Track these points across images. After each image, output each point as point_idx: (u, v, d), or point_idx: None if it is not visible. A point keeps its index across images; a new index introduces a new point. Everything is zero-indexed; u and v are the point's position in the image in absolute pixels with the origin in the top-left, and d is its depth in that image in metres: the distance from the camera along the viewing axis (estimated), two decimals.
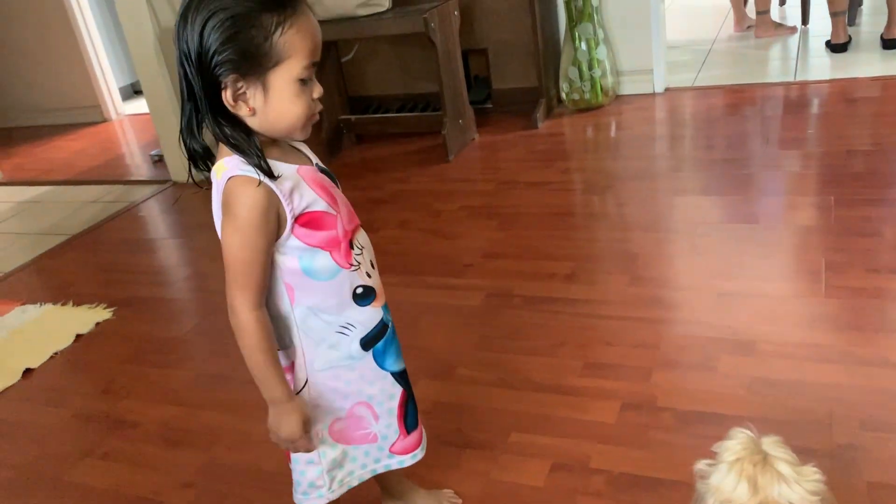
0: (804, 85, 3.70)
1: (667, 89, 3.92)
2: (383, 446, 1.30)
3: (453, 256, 2.60)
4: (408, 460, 1.34)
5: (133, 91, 5.79)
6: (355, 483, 1.32)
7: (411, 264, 2.60)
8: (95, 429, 2.06)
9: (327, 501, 1.28)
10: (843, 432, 1.58)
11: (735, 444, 1.06)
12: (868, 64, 3.78)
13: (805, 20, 4.57)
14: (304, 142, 1.18)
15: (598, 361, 1.94)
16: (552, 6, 3.83)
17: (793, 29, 4.52)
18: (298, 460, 1.26)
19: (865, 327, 1.90)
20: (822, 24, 4.55)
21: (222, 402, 2.07)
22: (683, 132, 3.55)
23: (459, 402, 1.89)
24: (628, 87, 3.93)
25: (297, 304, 1.15)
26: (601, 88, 3.77)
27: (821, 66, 3.93)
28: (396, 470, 1.38)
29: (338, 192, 1.18)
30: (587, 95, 3.78)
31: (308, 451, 1.22)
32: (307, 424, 1.17)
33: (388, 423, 1.29)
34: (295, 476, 1.29)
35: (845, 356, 1.80)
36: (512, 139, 3.66)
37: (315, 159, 1.19)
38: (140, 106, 5.26)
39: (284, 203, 1.07)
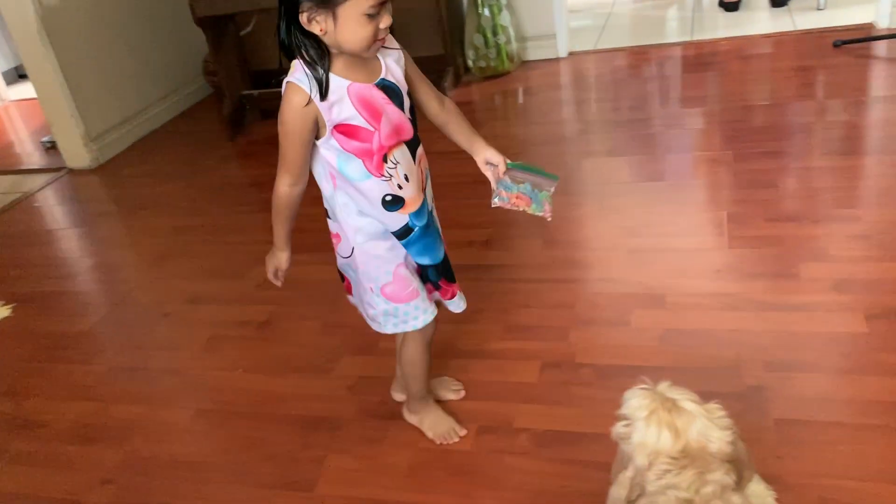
0: (701, 44, 3.82)
1: (570, 53, 3.97)
2: (423, 301, 1.49)
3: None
4: (430, 312, 1.51)
5: (17, 75, 5.45)
6: (404, 331, 1.53)
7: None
8: None
9: (389, 332, 1.53)
10: (751, 374, 1.66)
11: (641, 399, 1.09)
12: (760, 21, 3.93)
13: None
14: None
15: (518, 324, 1.97)
16: None
17: None
18: (366, 303, 1.50)
19: (767, 274, 1.99)
20: None
21: (137, 394, 2.00)
22: (589, 95, 3.62)
23: (384, 374, 1.88)
24: (533, 53, 3.96)
25: (338, 190, 1.37)
26: (507, 55, 3.79)
27: (715, 26, 4.06)
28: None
29: (390, 109, 1.31)
30: (493, 62, 3.79)
31: (276, 277, 1.53)
32: (277, 271, 1.51)
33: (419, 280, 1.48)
34: (364, 308, 1.54)
35: (749, 303, 1.89)
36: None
37: (388, 72, 1.32)
38: (26, 90, 4.95)
39: (324, 113, 1.26)
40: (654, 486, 1.05)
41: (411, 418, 1.70)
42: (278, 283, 1.54)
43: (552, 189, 1.50)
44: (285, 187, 1.36)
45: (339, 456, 1.66)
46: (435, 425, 1.66)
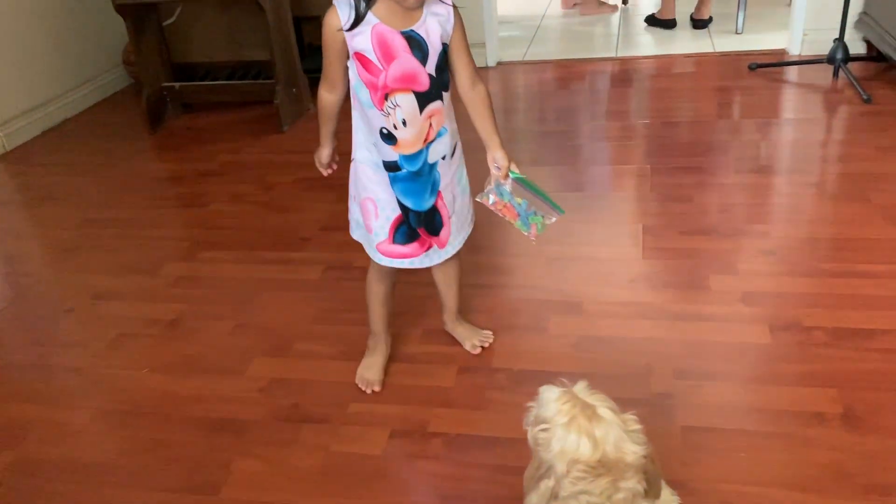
0: (626, 60, 3.91)
1: (499, 63, 4.01)
2: (373, 240, 1.64)
3: (290, 230, 2.53)
4: (385, 260, 1.66)
5: None
6: (360, 241, 1.72)
7: (246, 239, 2.50)
8: None
9: (355, 238, 1.73)
10: (660, 382, 1.70)
11: (561, 403, 1.09)
12: (682, 42, 4.06)
13: (625, 0, 4.83)
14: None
15: (437, 329, 1.96)
16: None
17: (614, 7, 4.76)
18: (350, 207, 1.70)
19: (679, 285, 2.05)
20: (641, 3, 4.83)
21: (34, 393, 1.90)
22: (516, 105, 3.66)
23: (297, 377, 1.85)
24: None
25: (355, 108, 1.53)
26: None
27: (640, 44, 4.18)
28: (452, 302, 1.88)
29: (406, 58, 1.43)
30: None
31: (322, 167, 1.70)
32: (320, 159, 1.67)
33: (382, 226, 1.62)
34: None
35: (661, 312, 1.93)
36: (349, 109, 3.59)
37: (422, 26, 1.44)
38: None
39: (348, 39, 1.42)
40: (567, 492, 1.05)
41: (365, 356, 1.85)
42: (324, 173, 1.71)
43: (553, 219, 1.60)
44: (325, 93, 1.55)
45: (246, 459, 1.61)
46: (365, 370, 1.81)
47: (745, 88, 3.38)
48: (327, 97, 1.55)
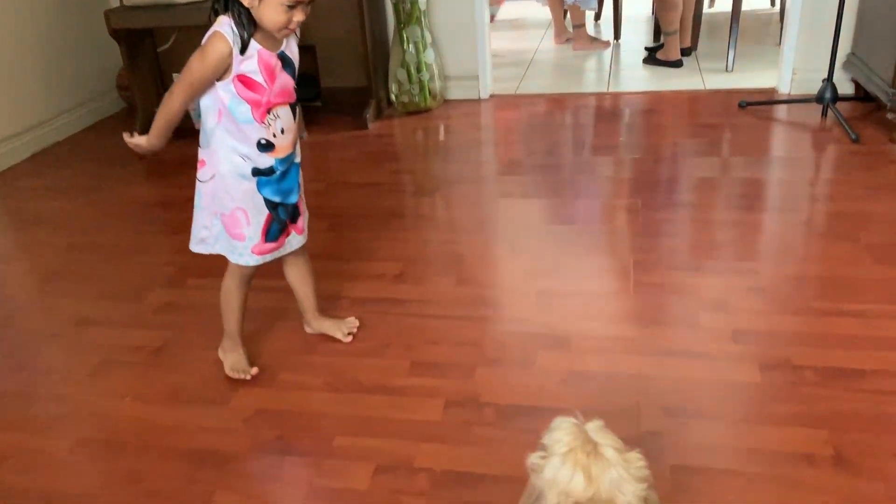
0: (617, 95, 3.95)
1: (492, 95, 4.04)
2: (247, 245, 1.79)
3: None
4: (259, 259, 1.82)
5: None
6: (220, 253, 1.84)
7: None
8: None
9: (204, 252, 1.85)
10: (649, 420, 1.68)
11: (565, 434, 1.07)
12: (672, 78, 4.10)
13: (617, 35, 4.89)
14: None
15: (424, 361, 1.95)
16: (381, 6, 3.83)
17: (606, 43, 4.81)
18: (199, 225, 1.81)
19: (668, 321, 2.04)
20: (632, 39, 4.89)
21: (13, 420, 1.86)
22: (507, 137, 3.68)
23: (282, 408, 1.82)
24: (456, 92, 4.00)
25: (220, 125, 1.65)
26: (429, 92, 3.82)
27: (632, 79, 4.22)
28: (311, 300, 2.04)
29: (283, 76, 1.64)
30: (416, 98, 3.81)
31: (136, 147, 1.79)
32: (141, 144, 1.76)
33: (255, 230, 1.77)
34: (193, 231, 1.83)
35: (651, 348, 1.92)
36: (342, 139, 3.61)
37: (288, 47, 1.66)
38: None
39: (235, 63, 1.57)
40: None
41: (220, 353, 1.97)
42: (129, 143, 1.79)
43: None
44: (180, 105, 1.64)
45: (227, 493, 1.57)
46: (236, 363, 1.93)
47: (735, 126, 3.41)
48: (180, 108, 1.65)
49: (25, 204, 3.18)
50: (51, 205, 3.13)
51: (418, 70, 3.75)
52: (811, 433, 1.60)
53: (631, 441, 1.59)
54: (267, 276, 1.99)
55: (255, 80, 1.60)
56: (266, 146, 1.68)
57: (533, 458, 1.08)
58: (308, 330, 2.08)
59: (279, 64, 1.63)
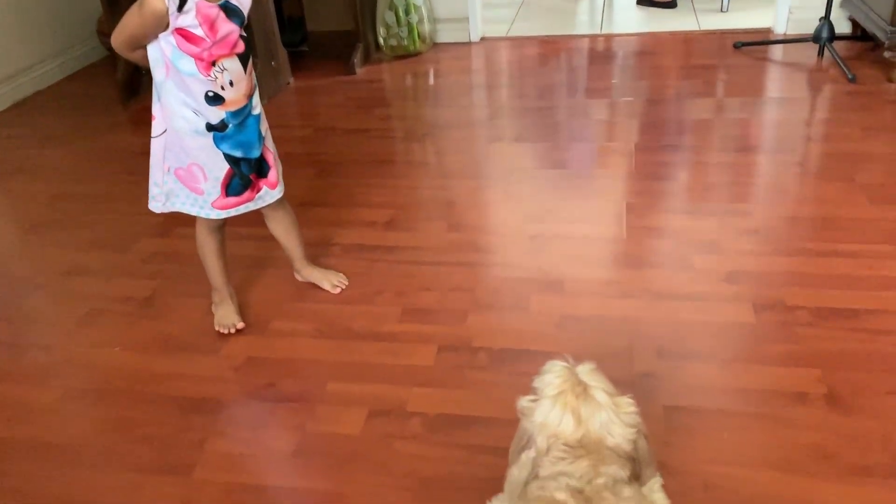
0: (609, 38, 3.87)
1: (482, 38, 3.95)
2: (207, 200, 1.74)
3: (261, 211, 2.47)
4: (222, 213, 1.77)
5: None
6: (179, 210, 1.78)
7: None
8: None
9: (158, 211, 1.79)
10: (642, 361, 1.67)
11: (555, 377, 1.06)
12: (666, 20, 4.01)
13: None
14: None
15: (416, 307, 1.93)
16: None
17: None
18: (152, 182, 1.75)
19: (662, 264, 2.02)
20: None
21: (3, 370, 1.84)
22: (498, 81, 3.60)
23: (274, 356, 1.81)
24: (445, 35, 3.91)
25: (168, 78, 1.60)
26: (418, 35, 3.73)
27: (624, 21, 4.13)
28: (297, 249, 2.01)
29: (226, 25, 1.56)
30: (405, 41, 3.72)
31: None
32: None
33: (213, 185, 1.72)
34: (150, 191, 1.78)
35: (644, 291, 1.91)
36: (329, 84, 3.54)
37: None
38: None
39: (171, 18, 1.51)
40: (547, 471, 1.02)
41: (213, 307, 1.95)
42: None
43: None
44: (130, 53, 1.61)
45: (220, 439, 1.57)
46: (222, 318, 1.90)
47: (729, 67, 3.35)
48: (139, 52, 1.60)
49: (7, 154, 3.12)
50: (33, 154, 3.07)
51: (407, 12, 3.65)
52: (804, 372, 1.60)
53: (624, 383, 1.59)
54: (253, 224, 1.96)
55: (194, 34, 1.53)
56: (214, 99, 1.61)
57: (523, 402, 1.07)
58: (298, 278, 2.06)
59: (221, 14, 1.55)
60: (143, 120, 3.32)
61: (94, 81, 3.84)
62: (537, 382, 1.08)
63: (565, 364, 1.09)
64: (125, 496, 1.45)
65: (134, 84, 3.49)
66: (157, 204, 1.77)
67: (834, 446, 1.42)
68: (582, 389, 1.05)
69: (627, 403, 1.07)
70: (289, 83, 3.53)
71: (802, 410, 1.50)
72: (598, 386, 1.06)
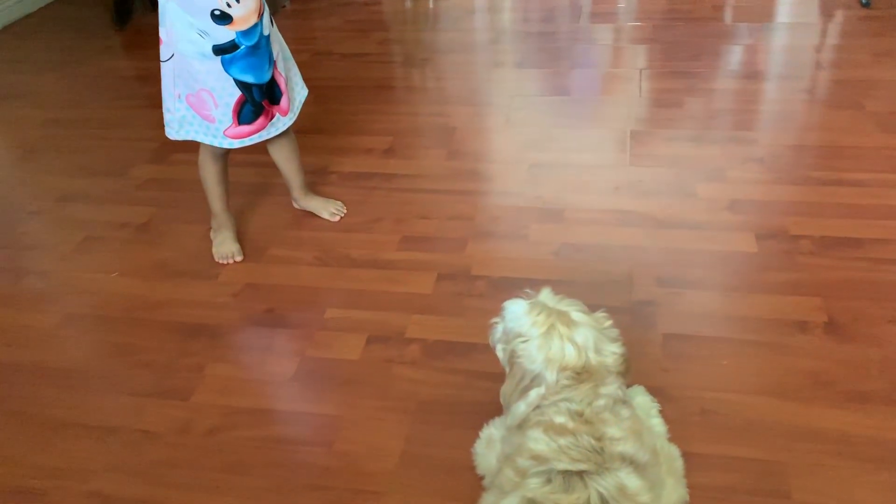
0: None
1: None
2: (219, 128, 1.69)
3: None
4: (236, 143, 1.72)
5: None
6: (193, 139, 1.73)
7: None
8: None
9: (173, 138, 1.75)
10: (642, 290, 1.66)
11: (535, 315, 1.06)
12: None
13: None
14: None
15: (415, 235, 1.91)
16: None
17: None
18: (164, 108, 1.70)
19: (665, 192, 1.99)
20: None
21: (0, 296, 1.84)
22: (500, 4, 3.50)
23: (272, 282, 1.80)
24: None
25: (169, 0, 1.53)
26: None
27: None
28: (297, 177, 1.97)
29: None
30: None
31: None
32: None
33: (224, 112, 1.66)
34: (164, 117, 1.73)
35: (646, 220, 1.89)
36: (326, 7, 3.44)
37: None
38: None
39: None
40: (548, 401, 1.03)
41: (211, 234, 1.93)
42: None
43: None
44: None
45: (218, 364, 1.57)
46: (220, 246, 1.88)
47: None
48: None
49: None
50: (25, 79, 3.00)
51: None
52: (805, 301, 1.59)
53: (623, 310, 1.60)
54: (251, 150, 1.91)
55: None
56: (221, 17, 1.53)
57: (512, 346, 1.06)
58: (296, 206, 2.03)
59: None
60: (136, 43, 3.25)
61: (85, 4, 3.73)
62: (514, 325, 1.07)
63: (530, 300, 1.08)
64: (126, 418, 1.46)
65: (126, 7, 3.39)
66: (171, 131, 1.73)
67: (832, 373, 1.42)
68: (567, 318, 1.05)
69: (604, 318, 1.07)
70: (284, 6, 3.43)
71: (801, 338, 1.50)
72: (573, 308, 1.06)
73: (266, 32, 1.64)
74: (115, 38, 3.30)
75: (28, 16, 3.63)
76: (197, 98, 1.65)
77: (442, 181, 2.13)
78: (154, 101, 2.62)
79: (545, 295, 1.07)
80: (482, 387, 1.44)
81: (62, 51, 3.23)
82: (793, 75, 2.55)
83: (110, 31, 3.35)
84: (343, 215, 2.01)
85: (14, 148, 2.55)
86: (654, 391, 1.35)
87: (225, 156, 1.83)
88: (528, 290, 1.07)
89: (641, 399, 1.32)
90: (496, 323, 1.14)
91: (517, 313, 1.09)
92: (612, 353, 1.05)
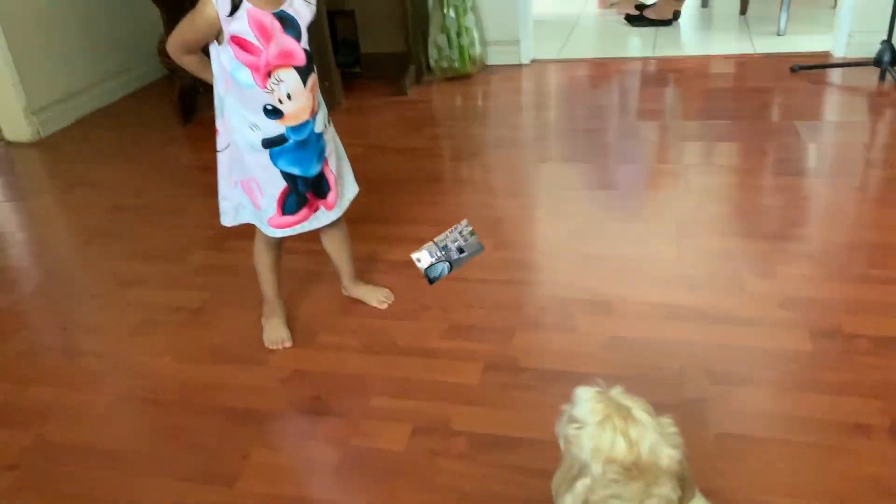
0: (663, 60, 3.83)
1: (533, 61, 3.96)
2: (263, 217, 1.76)
3: None
4: (278, 232, 1.78)
5: None
6: (247, 221, 1.81)
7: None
8: None
9: (229, 224, 1.82)
10: (693, 386, 1.63)
11: (595, 402, 1.05)
12: (721, 43, 3.97)
13: None
14: None
15: (462, 324, 1.92)
16: None
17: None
18: (220, 196, 1.79)
19: (715, 287, 1.98)
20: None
21: (56, 376, 1.88)
22: (548, 102, 3.60)
23: (320, 369, 1.81)
24: (496, 57, 3.93)
25: (229, 92, 1.62)
26: (469, 57, 3.75)
27: (678, 43, 4.09)
28: (347, 266, 2.03)
29: (281, 37, 1.56)
30: (455, 63, 3.75)
31: None
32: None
33: (269, 202, 1.73)
34: (220, 205, 1.81)
35: (696, 315, 1.87)
36: (380, 105, 3.57)
37: (290, 6, 1.58)
38: None
39: (224, 24, 1.52)
40: (598, 495, 1.00)
41: (262, 320, 1.96)
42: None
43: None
44: (188, 56, 1.64)
45: (264, 451, 1.57)
46: (271, 332, 1.92)
47: (786, 90, 3.28)
48: (191, 56, 1.64)
49: (70, 167, 3.22)
50: (94, 168, 3.16)
51: (458, 35, 3.68)
52: (864, 402, 1.53)
53: (675, 407, 1.55)
54: (305, 238, 1.97)
55: (248, 41, 1.53)
56: (273, 112, 1.61)
57: (568, 431, 1.05)
58: (345, 293, 2.07)
59: (276, 24, 1.55)
60: (199, 137, 3.41)
61: (153, 100, 3.95)
62: (576, 411, 1.06)
63: (598, 389, 1.07)
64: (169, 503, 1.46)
65: (192, 103, 3.58)
66: (227, 218, 1.80)
67: (894, 481, 1.35)
68: (627, 412, 1.03)
69: (668, 424, 1.05)
70: (340, 103, 3.58)
71: (862, 442, 1.44)
72: (638, 407, 1.04)
73: (318, 130, 1.71)
74: (180, 131, 3.47)
75: (100, 109, 3.85)
76: (247, 185, 1.73)
77: (489, 271, 2.15)
78: (212, 190, 2.73)
79: (616, 391, 1.06)
80: (529, 483, 1.41)
81: (129, 143, 3.41)
82: (843, 173, 2.55)
83: (175, 124, 3.53)
84: (391, 302, 2.03)
85: (80, 233, 2.66)
86: (707, 493, 1.30)
87: (279, 245, 1.88)
88: (599, 380, 1.06)
89: (696, 501, 1.28)
90: (564, 409, 1.12)
91: (582, 399, 1.07)
92: (668, 456, 1.02)
